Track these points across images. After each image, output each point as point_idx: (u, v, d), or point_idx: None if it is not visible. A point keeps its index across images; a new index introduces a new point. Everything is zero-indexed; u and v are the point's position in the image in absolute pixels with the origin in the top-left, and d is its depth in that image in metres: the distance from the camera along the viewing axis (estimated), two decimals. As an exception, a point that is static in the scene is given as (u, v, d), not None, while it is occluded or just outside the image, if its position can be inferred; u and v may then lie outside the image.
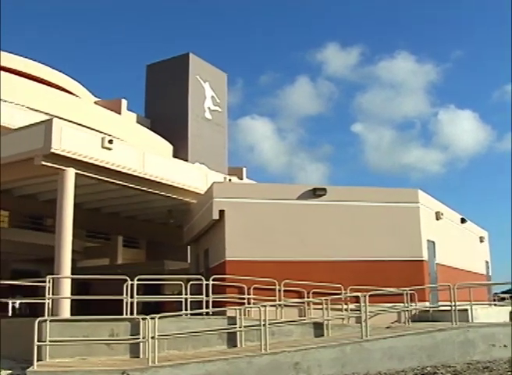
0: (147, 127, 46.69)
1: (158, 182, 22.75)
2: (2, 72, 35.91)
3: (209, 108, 49.92)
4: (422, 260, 20.96)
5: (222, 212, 20.00)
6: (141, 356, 13.74)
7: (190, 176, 24.41)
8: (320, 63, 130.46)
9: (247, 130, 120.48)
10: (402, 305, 19.00)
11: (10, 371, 13.71)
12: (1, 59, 39.44)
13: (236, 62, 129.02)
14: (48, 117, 20.63)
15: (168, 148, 45.77)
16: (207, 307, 17.08)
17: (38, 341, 12.94)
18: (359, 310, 15.91)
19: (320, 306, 17.54)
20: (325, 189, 20.54)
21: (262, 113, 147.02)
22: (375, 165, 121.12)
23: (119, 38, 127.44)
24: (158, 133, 45.70)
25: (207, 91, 50.03)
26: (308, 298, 18.83)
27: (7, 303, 18.17)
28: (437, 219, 23.32)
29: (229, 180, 27.07)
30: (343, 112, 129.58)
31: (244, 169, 53.02)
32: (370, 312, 15.80)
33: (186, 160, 38.77)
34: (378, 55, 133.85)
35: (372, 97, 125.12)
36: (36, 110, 31.37)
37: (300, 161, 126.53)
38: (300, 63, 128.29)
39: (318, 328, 16.73)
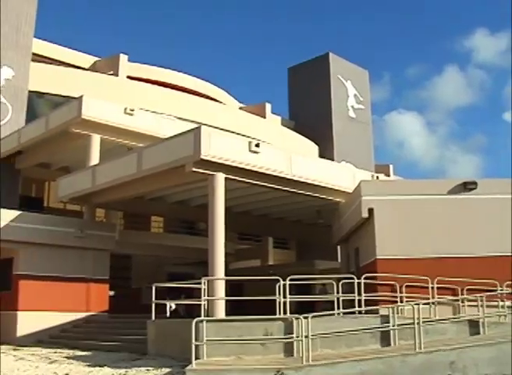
0: (292, 129, 47.15)
1: (306, 183, 22.80)
2: (154, 85, 37.70)
3: (352, 106, 49.71)
4: None
5: (370, 211, 19.78)
6: (295, 355, 13.86)
7: (337, 176, 24.31)
8: (469, 51, 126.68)
9: (394, 125, 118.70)
10: None
11: (170, 369, 14.27)
12: (152, 73, 41.41)
13: (381, 57, 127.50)
14: (196, 125, 21.28)
15: (314, 148, 46.00)
16: (359, 306, 16.98)
17: (196, 341, 13.38)
18: (516, 307, 15.30)
19: (475, 303, 17.01)
20: (475, 183, 19.81)
21: (410, 107, 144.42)
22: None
23: (260, 43, 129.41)
24: (302, 135, 46.02)
25: (349, 90, 49.85)
26: (462, 295, 18.29)
27: (165, 305, 18.92)
28: None
29: (377, 177, 26.75)
30: (495, 101, 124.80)
31: (391, 166, 52.42)
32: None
33: (332, 160, 38.87)
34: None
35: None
36: (185, 119, 32.47)
37: (452, 154, 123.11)
38: (447, 52, 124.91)
39: (474, 326, 16.20)
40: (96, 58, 42.52)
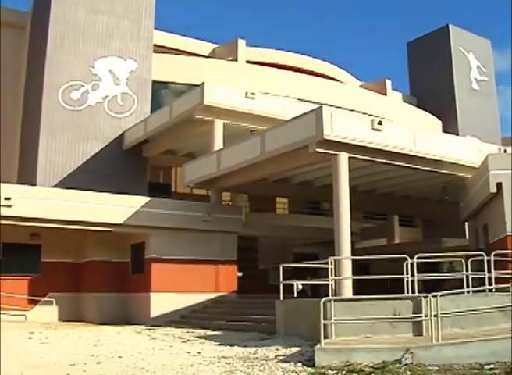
0: (414, 105, 46.34)
1: (431, 159, 22.30)
2: (273, 68, 38.09)
3: (475, 78, 48.34)
4: None
5: (499, 185, 19.28)
6: (424, 334, 13.72)
7: (463, 151, 23.67)
8: None
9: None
10: None
11: (299, 348, 14.48)
12: (270, 56, 41.89)
13: (505, 25, 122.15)
14: (318, 106, 21.30)
15: (437, 123, 45.11)
16: (489, 284, 16.60)
17: (324, 320, 13.51)
18: None
19: None
20: None
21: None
22: None
23: (378, 20, 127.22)
24: (424, 110, 45.18)
25: (471, 62, 48.49)
26: None
27: (291, 285, 19.16)
28: None
29: (504, 151, 25.92)
30: None
31: (519, 138, 50.58)
32: None
33: (457, 134, 37.97)
34: None
35: None
36: (306, 101, 32.55)
37: None
38: None
39: None
40: (215, 45, 43.26)
